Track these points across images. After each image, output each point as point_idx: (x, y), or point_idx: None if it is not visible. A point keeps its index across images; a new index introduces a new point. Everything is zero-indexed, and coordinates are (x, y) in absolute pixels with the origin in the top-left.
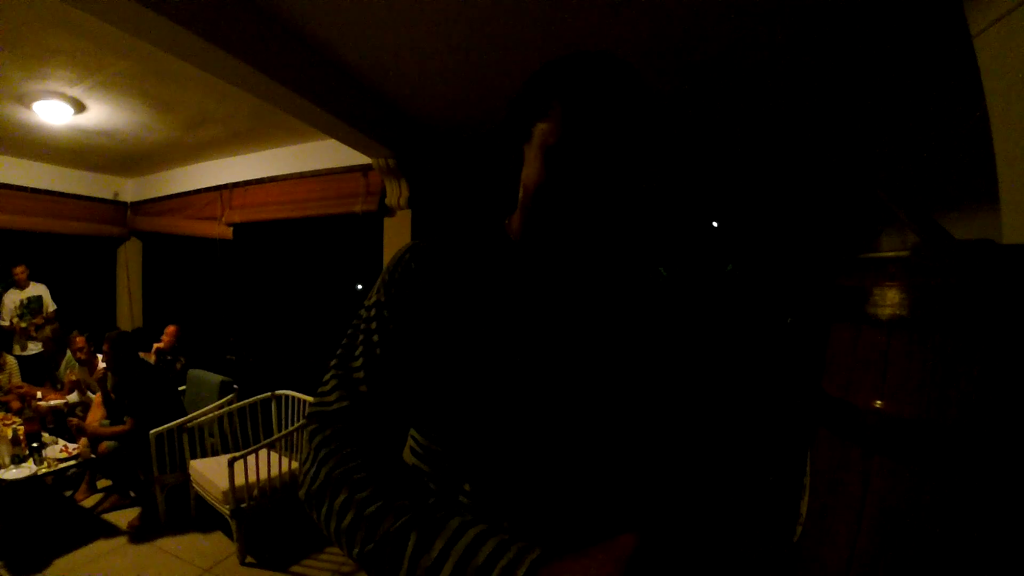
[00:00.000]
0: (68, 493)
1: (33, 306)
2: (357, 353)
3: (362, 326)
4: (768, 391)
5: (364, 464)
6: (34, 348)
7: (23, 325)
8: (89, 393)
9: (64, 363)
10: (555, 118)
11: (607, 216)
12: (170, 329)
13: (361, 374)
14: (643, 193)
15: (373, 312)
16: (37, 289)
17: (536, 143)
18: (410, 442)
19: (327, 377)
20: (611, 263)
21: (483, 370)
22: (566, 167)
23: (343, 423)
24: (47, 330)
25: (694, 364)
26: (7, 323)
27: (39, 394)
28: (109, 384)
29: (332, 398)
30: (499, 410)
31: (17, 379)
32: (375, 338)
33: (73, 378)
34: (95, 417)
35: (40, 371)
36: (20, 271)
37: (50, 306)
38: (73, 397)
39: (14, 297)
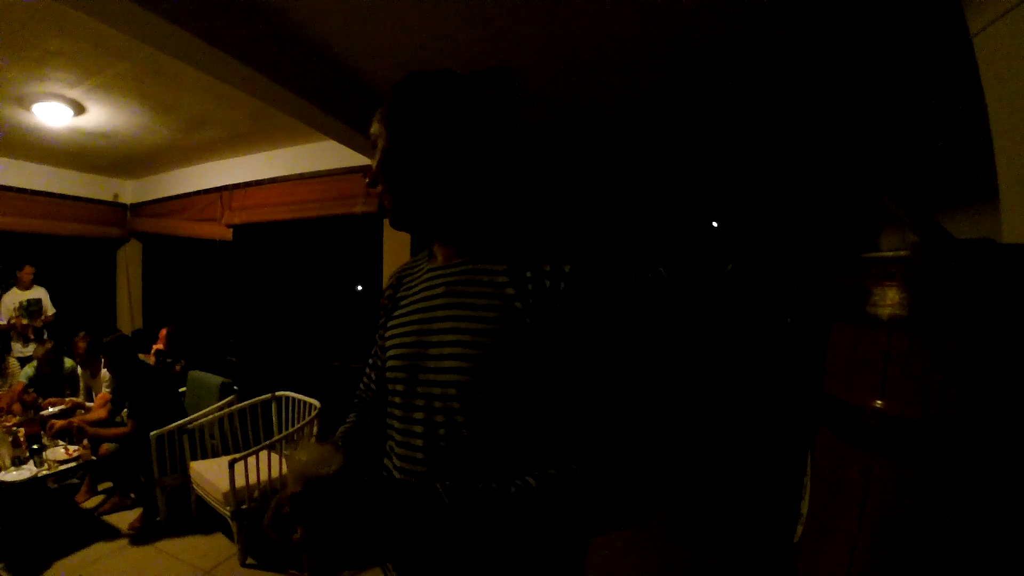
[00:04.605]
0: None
1: (32, 308)
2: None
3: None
4: (768, 391)
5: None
6: (31, 349)
7: (24, 322)
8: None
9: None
10: None
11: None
12: (163, 332)
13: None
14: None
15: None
16: (37, 292)
17: None
18: None
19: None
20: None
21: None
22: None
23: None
24: (42, 350)
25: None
26: (5, 322)
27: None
28: (103, 389)
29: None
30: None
31: (21, 385)
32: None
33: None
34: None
35: (39, 377)
36: (27, 272)
37: (49, 309)
38: (78, 398)
39: (14, 297)
